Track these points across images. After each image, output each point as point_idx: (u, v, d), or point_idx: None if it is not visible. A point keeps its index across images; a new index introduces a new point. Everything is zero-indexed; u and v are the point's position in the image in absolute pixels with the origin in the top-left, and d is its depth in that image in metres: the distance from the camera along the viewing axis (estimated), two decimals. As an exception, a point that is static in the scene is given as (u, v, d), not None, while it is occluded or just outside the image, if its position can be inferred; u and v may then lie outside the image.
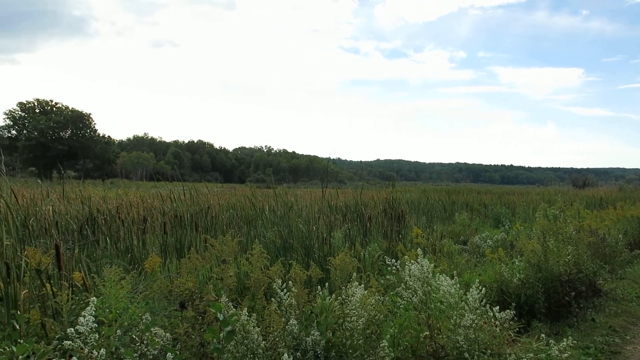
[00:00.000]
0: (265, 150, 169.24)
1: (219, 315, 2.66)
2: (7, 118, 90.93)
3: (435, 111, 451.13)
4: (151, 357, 2.69)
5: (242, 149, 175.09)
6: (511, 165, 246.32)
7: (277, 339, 3.34)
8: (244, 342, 2.81)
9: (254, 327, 2.88)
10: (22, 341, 2.41)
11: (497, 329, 4.04)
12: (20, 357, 2.14)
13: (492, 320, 4.11)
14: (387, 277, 6.02)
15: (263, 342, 2.91)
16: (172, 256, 7.49)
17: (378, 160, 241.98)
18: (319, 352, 3.40)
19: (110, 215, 8.97)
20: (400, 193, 15.66)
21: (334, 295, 4.33)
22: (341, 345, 3.44)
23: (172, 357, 2.75)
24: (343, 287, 3.99)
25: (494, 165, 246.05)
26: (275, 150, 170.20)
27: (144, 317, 2.80)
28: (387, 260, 5.58)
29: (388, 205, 11.06)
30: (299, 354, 3.38)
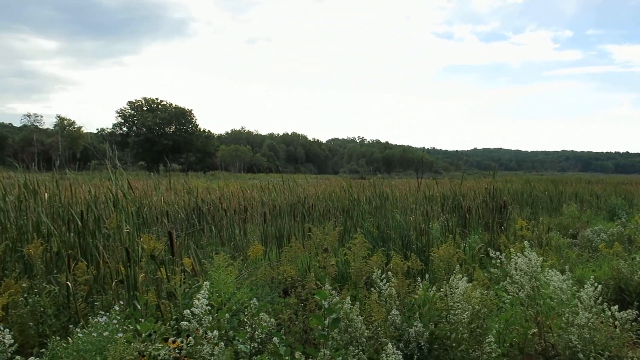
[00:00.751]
0: (358, 141, 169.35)
1: (323, 303, 2.71)
2: (119, 116, 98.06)
3: (538, 96, 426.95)
4: (258, 340, 2.80)
5: (335, 140, 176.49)
6: (627, 152, 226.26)
7: (378, 329, 3.35)
8: (348, 330, 2.85)
9: (357, 315, 2.90)
10: (143, 320, 2.60)
11: (617, 329, 3.77)
12: (143, 334, 2.31)
13: (610, 320, 3.84)
14: (491, 270, 5.83)
15: (366, 331, 2.93)
16: (272, 245, 7.73)
17: (475, 149, 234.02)
18: (422, 343, 3.37)
19: (213, 205, 9.41)
20: (501, 183, 15.03)
21: (434, 287, 4.26)
22: (445, 338, 3.38)
23: (277, 341, 2.84)
24: (444, 279, 3.91)
25: (607, 152, 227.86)
26: (369, 141, 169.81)
27: (251, 302, 2.92)
28: (490, 252, 5.40)
29: (488, 195, 10.67)
30: (401, 344, 3.37)
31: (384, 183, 12.62)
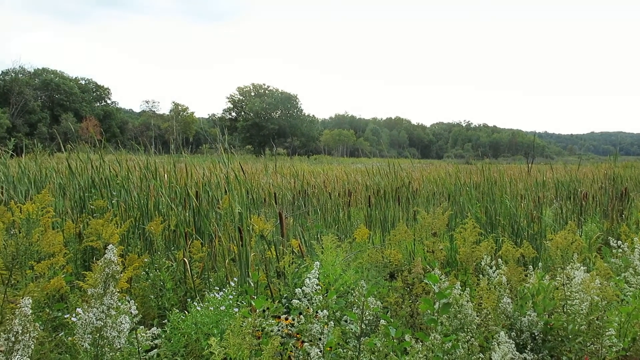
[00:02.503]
0: (464, 125, 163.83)
1: (434, 287, 2.64)
2: (229, 101, 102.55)
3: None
4: (366, 322, 2.80)
5: (439, 124, 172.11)
6: None
7: (488, 316, 3.21)
8: (457, 316, 2.76)
9: (467, 301, 2.80)
10: (256, 297, 2.69)
11: None
12: (257, 310, 2.39)
13: None
14: (611, 260, 5.40)
15: (477, 317, 2.82)
16: (376, 228, 7.71)
17: (592, 133, 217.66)
18: (535, 333, 3.19)
19: (318, 188, 9.57)
20: (622, 169, 13.86)
21: (547, 276, 4.02)
22: (561, 329, 3.18)
23: (385, 323, 2.81)
24: (561, 268, 3.67)
25: None
26: (475, 125, 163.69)
27: (359, 284, 2.92)
28: (611, 241, 4.99)
29: (608, 181, 9.88)
30: (513, 333, 3.22)
31: (491, 168, 12.09)
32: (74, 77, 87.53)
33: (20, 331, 1.83)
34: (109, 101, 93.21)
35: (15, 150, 8.41)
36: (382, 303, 3.58)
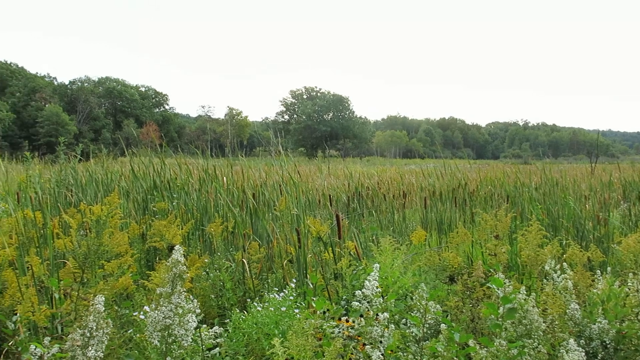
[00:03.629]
0: (521, 124, 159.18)
1: (497, 292, 2.58)
2: (282, 105, 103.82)
3: None
4: (427, 325, 2.76)
5: (495, 123, 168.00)
6: None
7: (554, 323, 3.10)
8: (522, 321, 2.68)
9: (533, 307, 2.71)
10: (315, 299, 2.71)
11: None
12: (318, 311, 2.41)
13: None
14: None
15: (543, 323, 2.73)
16: (432, 230, 7.60)
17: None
18: (607, 342, 3.06)
19: (373, 190, 9.53)
20: (697, 168, 13.08)
21: (617, 282, 3.84)
22: (635, 338, 3.03)
23: (445, 327, 2.77)
24: (632, 273, 3.50)
25: None
26: (533, 124, 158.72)
27: (419, 287, 2.89)
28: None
29: (681, 182, 9.35)
30: (582, 341, 3.09)
31: (552, 168, 11.70)
32: (134, 85, 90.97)
33: (94, 327, 1.92)
34: (167, 107, 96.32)
35: (82, 155, 8.80)
36: (441, 307, 3.53)
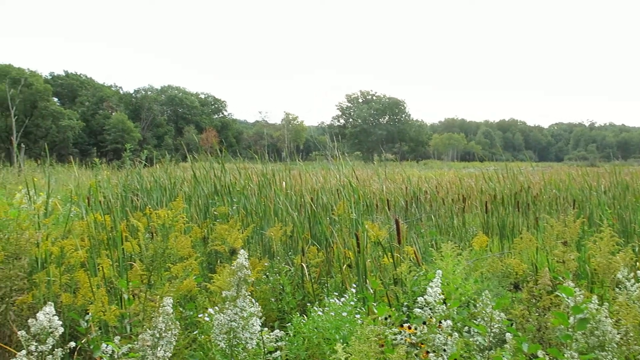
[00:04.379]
0: (587, 125, 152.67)
1: (567, 301, 2.47)
2: (337, 109, 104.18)
3: None
4: (492, 334, 2.69)
5: (559, 124, 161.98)
6: None
7: (629, 334, 2.95)
8: (595, 332, 2.56)
9: (605, 317, 2.59)
10: (375, 304, 2.69)
11: None
12: (380, 317, 2.39)
13: None
14: None
15: (617, 335, 2.60)
16: (493, 235, 7.40)
17: None
18: (688, 356, 2.87)
19: (431, 194, 9.38)
20: None
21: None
22: None
23: (511, 336, 2.68)
24: None
25: None
26: (600, 124, 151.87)
27: (483, 294, 2.81)
28: None
29: None
30: (660, 355, 2.92)
31: (621, 170, 11.14)
32: (194, 92, 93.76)
33: (163, 328, 1.98)
34: (225, 113, 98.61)
35: (147, 160, 9.13)
36: (505, 315, 3.42)
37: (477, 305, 2.78)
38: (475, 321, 3.00)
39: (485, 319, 2.58)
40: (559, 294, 2.59)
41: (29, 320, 2.19)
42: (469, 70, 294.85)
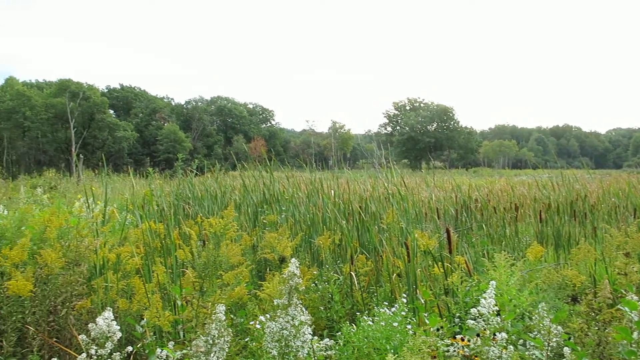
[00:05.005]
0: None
1: (631, 315, 2.37)
2: (385, 117, 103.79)
3: None
4: (549, 348, 2.60)
5: (617, 130, 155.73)
6: None
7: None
8: (660, 349, 2.43)
9: (672, 332, 2.46)
10: (427, 315, 2.66)
11: None
12: (431, 328, 2.35)
13: None
14: None
15: (685, 352, 2.46)
16: (548, 245, 7.17)
17: None
18: None
19: (482, 202, 9.18)
20: None
21: None
22: None
23: (570, 351, 2.58)
24: None
25: None
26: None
27: (538, 306, 2.72)
28: None
29: None
30: None
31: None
32: (243, 102, 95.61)
33: (216, 335, 2.02)
34: (273, 122, 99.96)
35: (197, 169, 9.34)
36: (563, 328, 3.30)
37: (533, 317, 2.70)
38: (531, 334, 2.91)
39: (542, 332, 2.49)
40: (621, 307, 2.48)
41: (89, 325, 2.27)
42: (521, 75, 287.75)
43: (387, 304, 3.71)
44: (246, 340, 3.08)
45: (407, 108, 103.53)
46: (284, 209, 6.55)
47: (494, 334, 2.38)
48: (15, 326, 3.62)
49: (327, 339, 3.19)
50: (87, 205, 5.92)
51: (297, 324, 2.23)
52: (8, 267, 3.72)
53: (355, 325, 3.31)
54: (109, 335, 2.26)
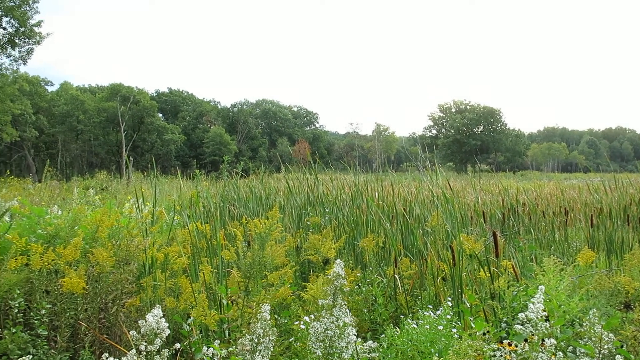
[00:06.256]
0: None
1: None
2: (429, 119, 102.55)
3: None
4: (600, 355, 2.52)
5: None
6: None
7: None
8: None
9: None
10: (472, 318, 2.62)
11: None
12: (477, 332, 2.32)
13: None
14: None
15: None
16: (599, 251, 6.92)
17: None
18: None
19: (530, 206, 8.96)
20: None
21: None
22: None
23: (622, 359, 2.50)
24: None
25: None
26: None
27: (589, 312, 2.64)
28: None
29: None
30: None
31: None
32: (287, 105, 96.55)
33: (261, 334, 2.05)
34: (317, 125, 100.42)
35: (242, 172, 9.48)
36: (615, 336, 3.19)
37: (584, 324, 2.62)
38: (581, 341, 2.82)
39: (594, 339, 2.42)
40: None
41: (139, 322, 2.35)
42: (572, 76, 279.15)
43: (431, 307, 3.68)
44: (290, 340, 3.11)
45: (453, 110, 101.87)
46: (327, 211, 6.57)
47: (543, 340, 2.32)
48: (69, 322, 3.77)
49: (371, 341, 3.18)
50: (137, 206, 6.10)
51: (341, 325, 2.23)
52: (62, 265, 3.87)
53: (399, 328, 3.29)
54: (158, 332, 2.32)
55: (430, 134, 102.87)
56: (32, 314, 3.74)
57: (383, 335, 3.23)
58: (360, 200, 6.69)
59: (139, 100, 66.35)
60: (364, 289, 4.46)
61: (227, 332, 3.40)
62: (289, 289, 3.36)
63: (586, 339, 2.60)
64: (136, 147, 66.58)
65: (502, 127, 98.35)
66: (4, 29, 29.56)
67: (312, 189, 7.08)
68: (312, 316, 2.77)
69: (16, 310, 3.73)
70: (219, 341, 3.04)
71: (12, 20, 29.20)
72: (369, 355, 2.96)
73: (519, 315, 2.40)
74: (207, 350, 2.84)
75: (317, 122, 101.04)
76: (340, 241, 4.97)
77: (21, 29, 29.44)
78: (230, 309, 3.33)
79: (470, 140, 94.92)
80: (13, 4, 28.55)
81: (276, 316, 3.59)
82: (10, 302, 3.75)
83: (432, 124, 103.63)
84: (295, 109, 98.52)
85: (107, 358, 2.18)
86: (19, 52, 30.34)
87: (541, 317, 2.37)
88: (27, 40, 29.97)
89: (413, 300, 4.61)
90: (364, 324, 4.32)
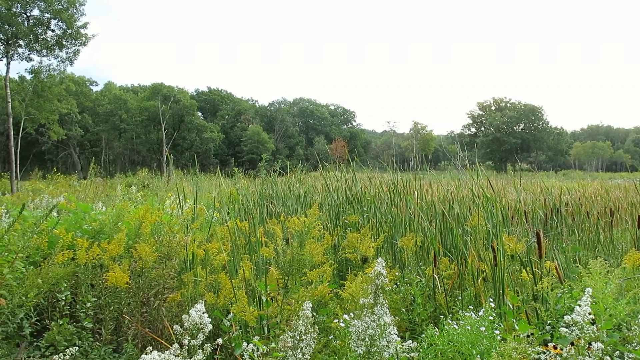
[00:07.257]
0: None
1: None
2: (468, 117, 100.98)
3: None
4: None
5: None
6: None
7: None
8: None
9: None
10: (515, 320, 2.57)
11: None
12: (521, 334, 2.27)
13: None
14: None
15: None
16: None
17: None
18: None
19: (574, 206, 8.73)
20: None
21: None
22: None
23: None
24: None
25: None
26: None
27: (637, 316, 2.55)
28: None
29: None
30: None
31: None
32: (324, 104, 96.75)
33: (303, 331, 2.06)
34: (354, 123, 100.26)
35: (280, 169, 9.55)
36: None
37: (632, 328, 2.54)
38: (629, 345, 2.73)
39: (642, 344, 2.34)
40: None
41: (183, 317, 2.40)
42: (616, 72, 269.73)
43: (471, 308, 3.62)
44: (329, 338, 3.12)
45: (492, 108, 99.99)
46: (365, 209, 6.55)
47: (589, 344, 2.26)
48: (113, 315, 3.88)
49: (410, 341, 3.16)
50: (177, 202, 6.21)
51: (382, 324, 2.23)
52: (106, 260, 3.99)
53: (439, 328, 3.26)
54: (200, 327, 2.37)
55: (469, 132, 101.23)
56: (77, 306, 3.86)
57: (422, 335, 3.21)
58: (398, 199, 6.64)
59: (179, 100, 67.64)
60: (402, 288, 4.43)
61: (266, 328, 3.43)
62: (328, 287, 3.36)
63: (635, 344, 2.51)
64: (176, 145, 67.93)
65: (544, 125, 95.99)
66: (52, 31, 30.59)
67: (350, 188, 7.06)
68: (351, 314, 2.77)
69: (63, 303, 3.86)
70: (258, 337, 3.07)
71: (60, 23, 30.19)
72: (408, 355, 2.94)
73: (565, 317, 2.34)
74: (247, 346, 2.87)
75: (354, 121, 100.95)
76: (379, 240, 4.95)
77: (68, 31, 30.40)
78: (269, 305, 3.36)
79: (511, 138, 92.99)
80: (61, 7, 29.51)
81: (314, 314, 3.60)
82: (57, 294, 3.89)
83: (471, 122, 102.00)
84: (332, 108, 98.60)
85: (150, 351, 2.23)
86: (66, 53, 31.33)
87: (588, 320, 2.31)
88: (73, 41, 30.92)
89: (452, 301, 4.55)
90: (402, 323, 4.29)
